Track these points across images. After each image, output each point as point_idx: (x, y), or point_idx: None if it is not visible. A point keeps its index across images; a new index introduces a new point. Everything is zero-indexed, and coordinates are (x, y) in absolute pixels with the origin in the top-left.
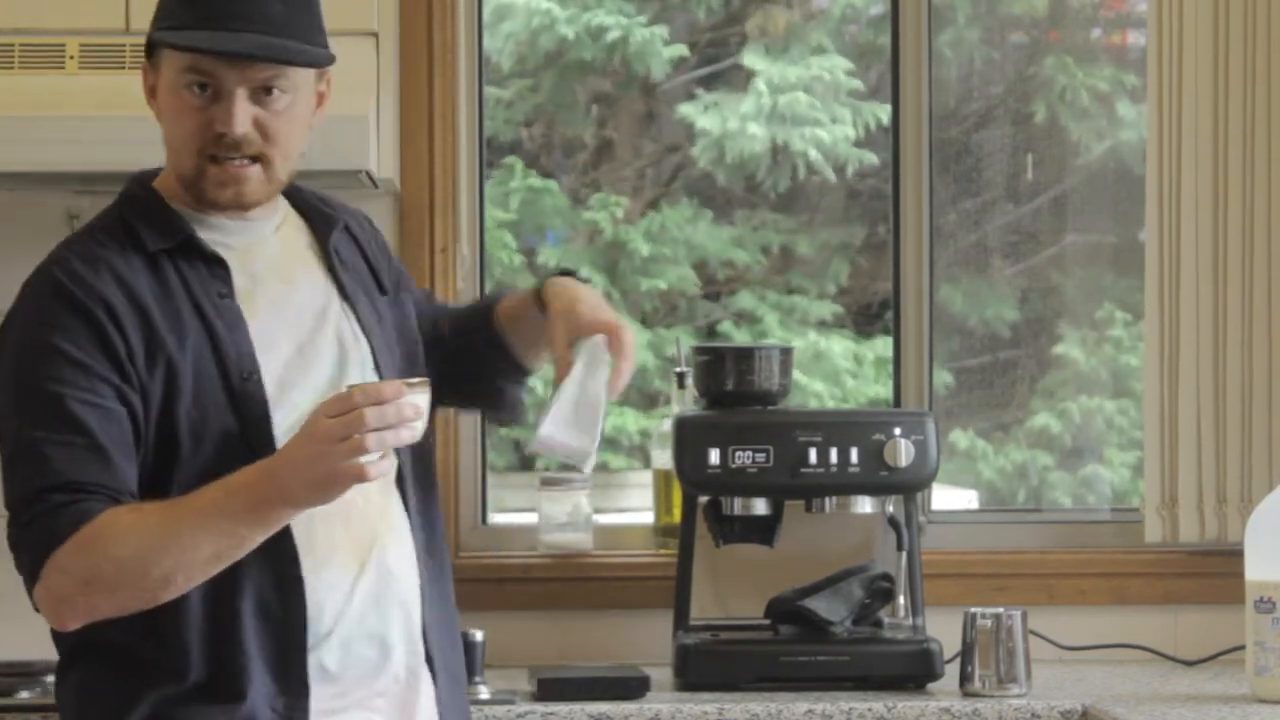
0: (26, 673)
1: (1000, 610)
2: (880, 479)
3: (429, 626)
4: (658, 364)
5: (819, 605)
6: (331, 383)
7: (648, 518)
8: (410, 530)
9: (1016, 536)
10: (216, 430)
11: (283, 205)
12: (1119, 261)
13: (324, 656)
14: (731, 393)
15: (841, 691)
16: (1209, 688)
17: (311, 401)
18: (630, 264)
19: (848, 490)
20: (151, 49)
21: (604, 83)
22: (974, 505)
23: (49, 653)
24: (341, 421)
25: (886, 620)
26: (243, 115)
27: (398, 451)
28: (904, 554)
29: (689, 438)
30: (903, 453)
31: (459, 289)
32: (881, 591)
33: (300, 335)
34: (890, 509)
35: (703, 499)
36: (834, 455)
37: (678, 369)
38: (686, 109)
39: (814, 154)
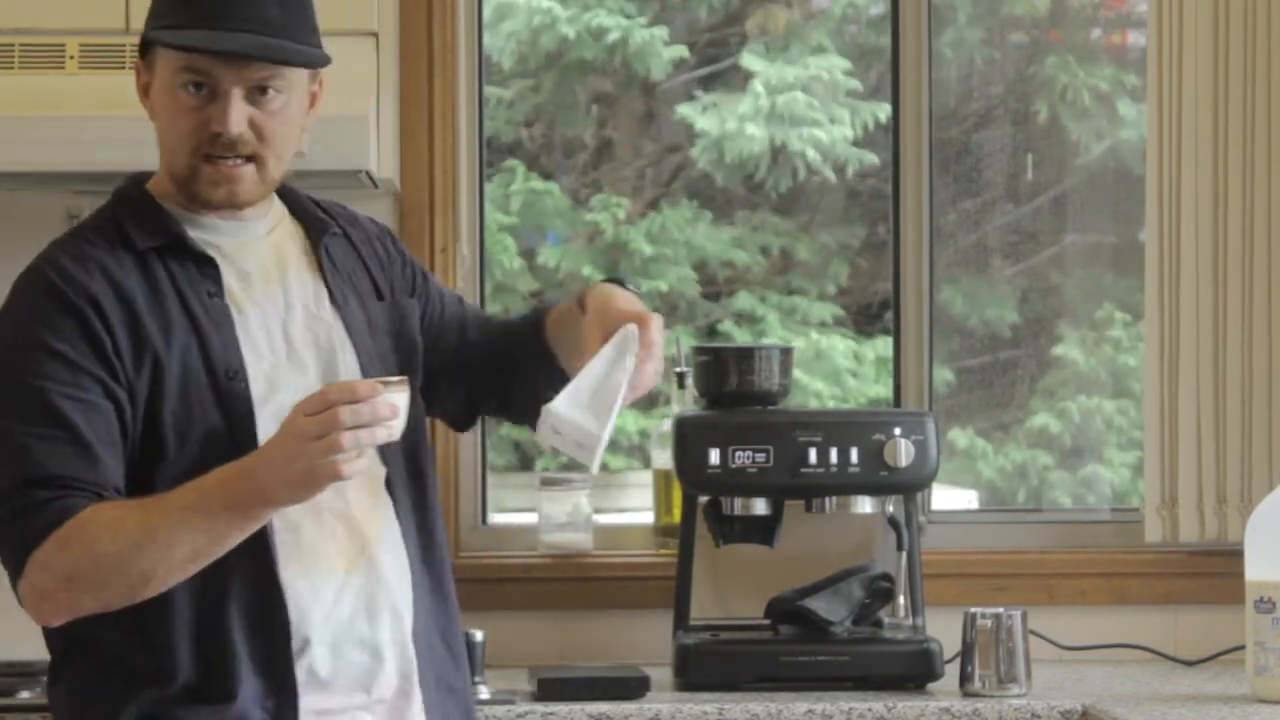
0: (26, 673)
1: (1000, 610)
2: (880, 479)
3: (419, 634)
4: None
5: (819, 605)
6: (317, 383)
7: (648, 518)
8: (403, 536)
9: (1016, 536)
10: (201, 428)
11: (277, 207)
12: (1119, 261)
13: (314, 661)
14: (731, 393)
15: (841, 691)
16: (1209, 688)
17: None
18: (631, 265)
19: (848, 490)
20: (146, 48)
21: (604, 83)
22: (974, 505)
23: (48, 653)
24: (317, 420)
25: (886, 620)
26: (238, 115)
27: (387, 457)
28: (904, 554)
29: (689, 438)
30: (903, 453)
31: (459, 289)
32: (881, 591)
33: (288, 336)
34: (890, 509)
35: (703, 499)
36: (834, 455)
37: (678, 369)
38: (686, 109)
39: (812, 154)
